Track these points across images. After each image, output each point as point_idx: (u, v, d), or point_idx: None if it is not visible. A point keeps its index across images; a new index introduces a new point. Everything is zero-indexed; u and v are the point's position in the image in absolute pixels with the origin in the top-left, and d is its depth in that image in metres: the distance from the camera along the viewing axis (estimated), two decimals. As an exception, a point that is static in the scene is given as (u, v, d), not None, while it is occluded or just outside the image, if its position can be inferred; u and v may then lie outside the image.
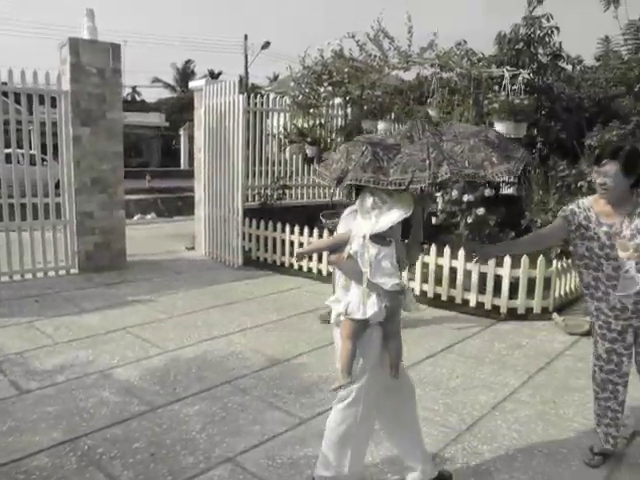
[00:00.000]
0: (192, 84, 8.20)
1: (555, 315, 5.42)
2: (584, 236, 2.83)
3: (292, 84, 8.00)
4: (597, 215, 2.80)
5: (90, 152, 6.95)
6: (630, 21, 19.98)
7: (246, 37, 32.72)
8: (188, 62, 40.54)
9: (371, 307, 2.35)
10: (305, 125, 7.90)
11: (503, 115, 5.99)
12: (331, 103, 8.40)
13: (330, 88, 7.53)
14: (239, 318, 5.51)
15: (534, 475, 2.96)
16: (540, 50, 10.54)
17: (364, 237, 2.32)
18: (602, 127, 7.25)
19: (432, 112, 7.05)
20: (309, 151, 7.49)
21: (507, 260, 5.60)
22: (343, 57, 7.45)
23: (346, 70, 7.32)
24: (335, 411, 2.59)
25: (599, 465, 3.03)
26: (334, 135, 8.03)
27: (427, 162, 2.23)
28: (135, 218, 12.49)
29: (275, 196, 8.23)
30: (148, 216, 12.49)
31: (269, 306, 5.95)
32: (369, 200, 2.31)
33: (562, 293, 5.98)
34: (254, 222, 7.71)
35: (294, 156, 8.36)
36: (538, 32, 10.68)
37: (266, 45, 32.06)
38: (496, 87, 6.32)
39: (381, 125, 7.56)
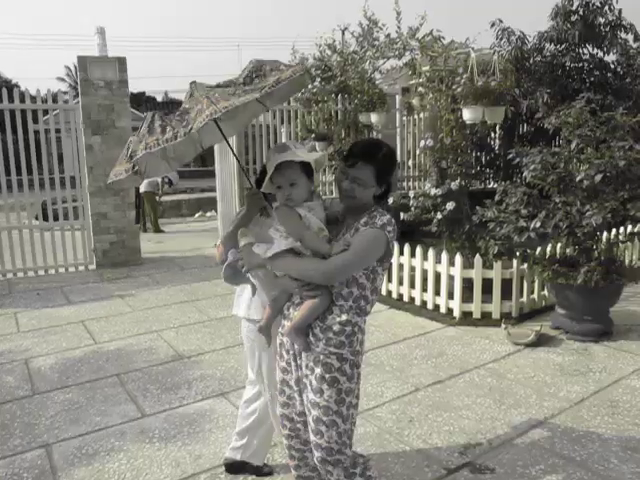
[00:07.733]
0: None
1: (504, 322, 4.89)
2: None
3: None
4: None
5: (102, 159, 7.62)
6: None
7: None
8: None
9: None
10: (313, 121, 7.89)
11: (468, 100, 5.51)
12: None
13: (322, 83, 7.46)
14: (189, 314, 5.74)
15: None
16: (600, 20, 9.29)
17: None
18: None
19: (414, 101, 6.68)
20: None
21: (458, 258, 5.16)
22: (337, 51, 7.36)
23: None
24: None
25: None
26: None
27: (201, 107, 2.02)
28: (196, 215, 13.31)
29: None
30: (208, 213, 13.21)
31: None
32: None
33: (533, 298, 5.37)
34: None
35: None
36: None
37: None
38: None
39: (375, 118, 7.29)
